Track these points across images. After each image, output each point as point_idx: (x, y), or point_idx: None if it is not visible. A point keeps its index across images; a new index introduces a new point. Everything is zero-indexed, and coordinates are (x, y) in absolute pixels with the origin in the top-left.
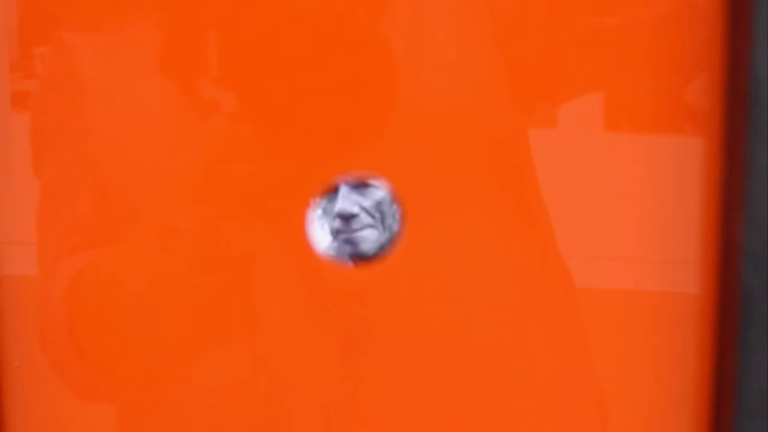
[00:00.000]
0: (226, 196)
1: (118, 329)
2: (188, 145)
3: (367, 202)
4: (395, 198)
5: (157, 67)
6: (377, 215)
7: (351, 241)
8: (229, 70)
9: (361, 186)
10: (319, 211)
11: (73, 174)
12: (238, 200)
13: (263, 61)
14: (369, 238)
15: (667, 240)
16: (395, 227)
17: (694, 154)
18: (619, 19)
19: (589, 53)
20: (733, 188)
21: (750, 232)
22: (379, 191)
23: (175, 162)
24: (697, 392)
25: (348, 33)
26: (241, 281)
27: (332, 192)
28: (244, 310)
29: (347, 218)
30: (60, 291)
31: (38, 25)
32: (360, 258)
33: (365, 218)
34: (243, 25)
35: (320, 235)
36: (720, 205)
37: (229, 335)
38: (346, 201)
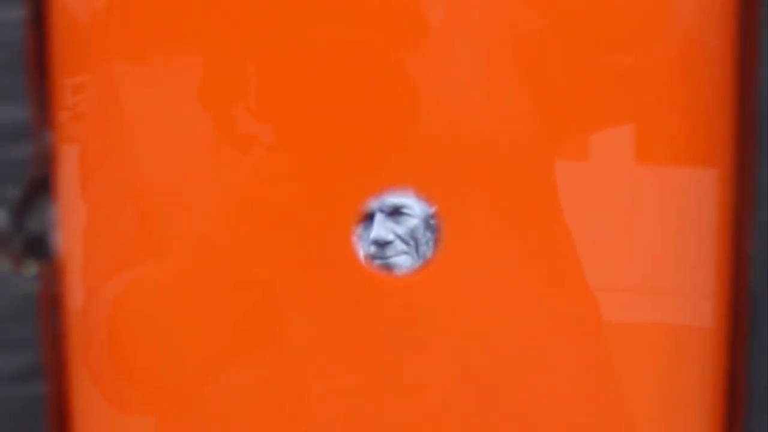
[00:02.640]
0: (262, 218)
1: (158, 344)
2: (227, 171)
3: (401, 230)
4: (429, 224)
5: (198, 97)
6: (411, 242)
7: (386, 267)
8: (266, 101)
9: (395, 214)
10: (355, 238)
11: (117, 197)
12: (275, 222)
13: (299, 94)
14: (403, 264)
15: (685, 271)
16: (429, 254)
17: (709, 184)
18: (638, 55)
19: (609, 87)
20: (744, 200)
21: (757, 241)
22: (413, 219)
23: (215, 187)
24: (710, 394)
25: (378, 67)
26: (277, 300)
27: (368, 219)
28: (279, 328)
29: (382, 245)
30: (104, 309)
31: (79, 56)
32: None
33: (399, 245)
34: (281, 60)
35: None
36: (733, 224)
37: (262, 351)
38: (381, 228)
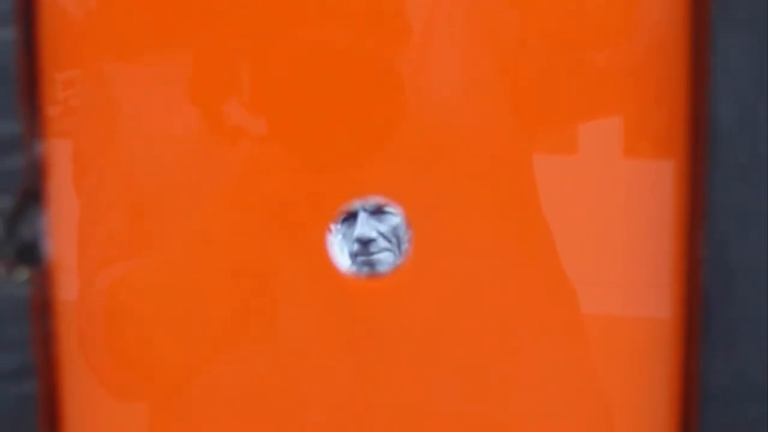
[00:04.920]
0: (252, 211)
1: (151, 333)
2: (216, 166)
3: (383, 228)
4: (409, 222)
5: (187, 95)
6: (393, 240)
7: (369, 264)
8: (255, 98)
9: (378, 212)
10: (339, 236)
11: (112, 192)
12: (264, 215)
13: (288, 91)
14: (385, 260)
15: (642, 263)
16: (411, 251)
17: (668, 179)
18: (608, 54)
19: (581, 84)
20: (696, 208)
21: (710, 246)
22: (395, 217)
23: (205, 181)
24: (667, 388)
25: (364, 65)
26: (267, 290)
27: (351, 218)
28: (269, 317)
29: (365, 242)
30: (98, 298)
31: (71, 54)
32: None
33: (382, 242)
34: (270, 59)
35: (340, 258)
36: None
37: (253, 339)
38: (365, 226)
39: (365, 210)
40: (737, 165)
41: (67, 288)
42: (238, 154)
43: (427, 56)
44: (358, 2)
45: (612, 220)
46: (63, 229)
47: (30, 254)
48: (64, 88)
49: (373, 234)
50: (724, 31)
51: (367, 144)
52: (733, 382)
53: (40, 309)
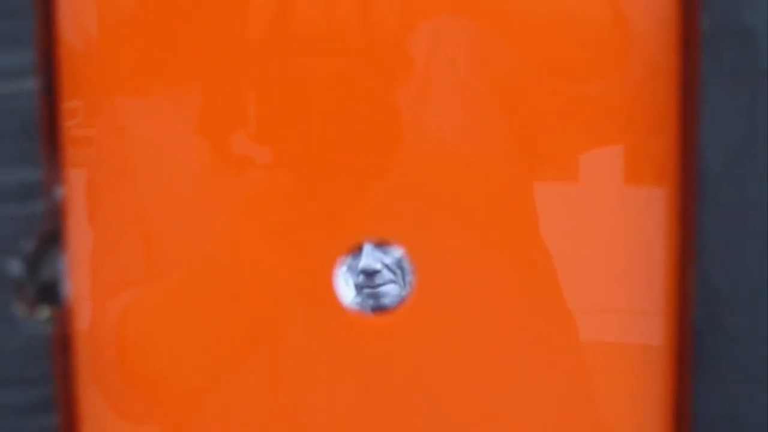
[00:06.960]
0: (258, 239)
1: (161, 357)
2: (225, 196)
3: (388, 260)
4: (411, 254)
5: (197, 126)
6: (398, 271)
7: (373, 296)
8: (261, 129)
9: (383, 244)
10: (344, 268)
11: (123, 222)
12: (271, 243)
13: (293, 122)
14: (390, 292)
15: (637, 290)
16: (415, 282)
17: (662, 207)
18: (601, 84)
19: (580, 115)
20: (686, 248)
21: (700, 284)
22: (400, 249)
23: (213, 210)
24: (660, 417)
25: (365, 97)
26: (273, 314)
27: (356, 250)
28: (276, 341)
29: (370, 274)
30: (109, 324)
31: (80, 87)
32: (382, 311)
33: (387, 274)
34: (276, 91)
35: (345, 290)
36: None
37: (260, 363)
38: (370, 258)
39: (370, 242)
40: (725, 206)
41: (87, 302)
42: (245, 184)
43: (427, 89)
44: (361, 36)
45: (609, 247)
46: (82, 242)
47: (50, 293)
48: (67, 117)
49: (378, 266)
50: (713, 78)
51: (367, 175)
52: (724, 414)
53: (61, 345)
